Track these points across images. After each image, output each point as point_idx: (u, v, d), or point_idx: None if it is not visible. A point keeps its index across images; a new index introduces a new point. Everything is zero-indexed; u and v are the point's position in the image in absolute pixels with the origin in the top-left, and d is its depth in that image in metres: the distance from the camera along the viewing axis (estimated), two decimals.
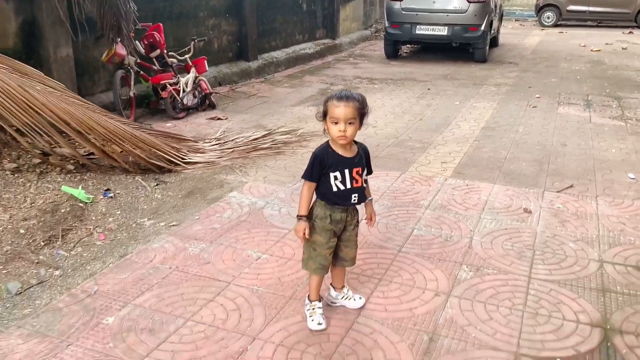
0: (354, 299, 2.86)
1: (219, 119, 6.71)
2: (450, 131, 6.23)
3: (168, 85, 6.60)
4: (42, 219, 3.73)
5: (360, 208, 2.72)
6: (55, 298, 2.95)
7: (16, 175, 4.32)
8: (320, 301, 2.75)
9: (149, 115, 6.75)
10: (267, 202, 4.22)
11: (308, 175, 2.52)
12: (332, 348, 2.53)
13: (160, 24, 6.83)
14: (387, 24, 11.41)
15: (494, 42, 13.23)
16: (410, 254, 3.39)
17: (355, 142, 2.60)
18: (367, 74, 9.94)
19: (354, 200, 2.56)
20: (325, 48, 12.25)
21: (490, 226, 3.77)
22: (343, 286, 2.86)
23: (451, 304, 2.88)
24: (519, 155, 5.35)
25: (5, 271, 3.19)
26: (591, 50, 12.88)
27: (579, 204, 4.18)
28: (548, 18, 18.70)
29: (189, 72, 6.97)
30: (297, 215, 2.56)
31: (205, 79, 7.18)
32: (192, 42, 7.11)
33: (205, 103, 7.18)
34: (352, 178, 2.52)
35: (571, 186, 4.52)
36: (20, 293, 2.99)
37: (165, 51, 6.78)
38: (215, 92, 7.92)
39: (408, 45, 12.94)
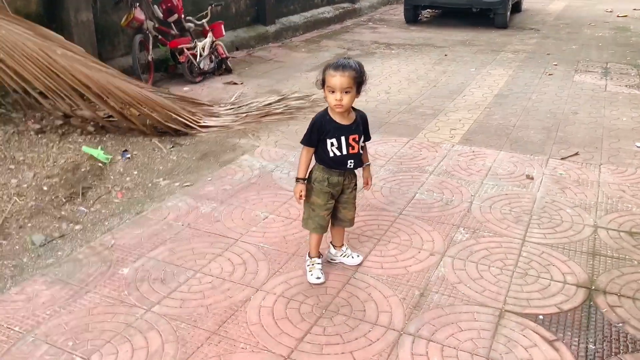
0: (352, 257, 3.00)
1: (234, 83, 6.81)
2: (462, 98, 6.25)
3: (185, 49, 6.70)
4: (64, 177, 3.95)
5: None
6: (75, 250, 3.18)
7: (40, 135, 4.53)
8: (319, 257, 2.91)
9: (167, 80, 6.89)
10: (277, 165, 4.35)
11: (306, 141, 2.64)
12: (329, 300, 2.70)
13: None
14: None
15: (517, 8, 12.97)
16: (410, 217, 3.50)
17: (354, 109, 2.69)
18: (385, 39, 9.89)
19: (350, 165, 2.66)
20: (345, 12, 12.16)
21: (491, 192, 3.85)
22: (342, 244, 3.01)
23: (444, 263, 3.00)
24: (529, 122, 5.37)
25: (30, 224, 3.43)
26: (617, 16, 12.55)
27: (582, 171, 4.24)
28: None
29: (206, 37, 7.06)
30: (296, 178, 2.69)
31: (222, 44, 7.27)
32: (210, 7, 7.18)
33: (221, 68, 7.28)
34: (348, 144, 2.61)
35: (576, 154, 4.57)
36: (44, 245, 3.23)
37: (182, 16, 6.86)
38: (232, 57, 8.00)
39: (428, 10, 12.77)
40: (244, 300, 2.72)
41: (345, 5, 12.41)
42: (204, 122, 5.11)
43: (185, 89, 6.53)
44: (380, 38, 9.98)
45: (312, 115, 2.73)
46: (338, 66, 2.46)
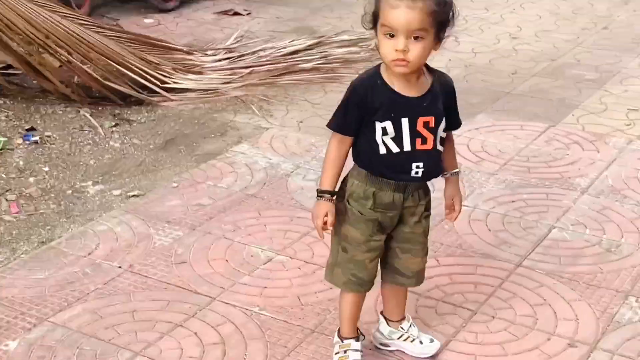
0: (421, 341, 2.98)
1: (235, 13, 6.90)
2: None
3: None
4: None
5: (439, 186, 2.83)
6: None
7: None
8: (358, 340, 2.90)
9: (117, 5, 7.04)
10: (297, 165, 4.36)
11: (338, 123, 2.64)
12: None
13: None
14: None
15: None
16: (536, 271, 3.50)
17: (431, 70, 2.67)
18: None
19: (417, 173, 2.65)
20: None
21: None
22: (403, 318, 3.01)
23: None
24: None
25: None
26: None
27: None
28: None
29: None
30: (318, 190, 2.69)
31: None
32: None
33: None
34: (415, 134, 2.61)
35: None
36: None
37: None
38: None
39: None
40: None
41: None
42: (174, 83, 5.17)
43: (148, 21, 6.68)
44: None
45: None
46: None
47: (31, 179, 4.20)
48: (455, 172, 2.85)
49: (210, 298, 3.30)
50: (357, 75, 2.71)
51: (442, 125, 2.68)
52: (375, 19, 2.56)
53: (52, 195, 4.07)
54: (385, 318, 3.02)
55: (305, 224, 3.79)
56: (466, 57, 6.21)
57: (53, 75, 4.92)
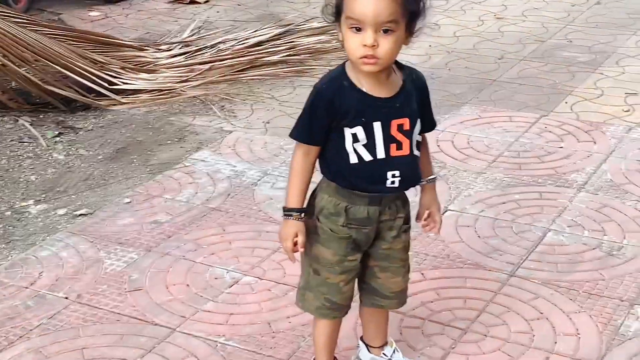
0: None
1: (192, 2, 6.82)
2: None
3: None
4: None
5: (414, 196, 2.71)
6: None
7: None
8: None
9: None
10: (265, 172, 4.29)
11: (303, 132, 2.56)
12: None
13: None
14: None
15: None
16: (531, 281, 3.44)
17: (400, 67, 2.59)
18: None
19: (393, 182, 2.57)
20: None
21: None
22: (385, 343, 2.94)
23: None
24: None
25: None
26: None
27: None
28: None
29: None
30: (284, 208, 2.61)
31: None
32: None
33: None
34: (389, 139, 2.54)
35: None
36: None
37: None
38: None
39: None
40: None
41: None
42: (125, 83, 5.08)
43: (94, 14, 6.60)
44: None
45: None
46: None
47: None
48: (431, 179, 2.77)
49: (169, 329, 3.18)
50: (321, 77, 2.62)
51: (418, 127, 2.61)
52: (338, 11, 2.48)
53: None
54: (365, 344, 2.95)
55: (275, 239, 3.63)
56: (448, 42, 6.18)
57: None
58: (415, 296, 3.23)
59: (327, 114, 2.51)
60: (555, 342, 3.09)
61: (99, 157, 4.43)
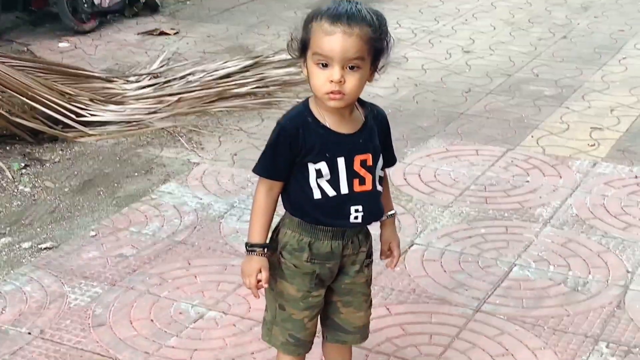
0: None
1: (162, 33, 6.84)
2: (620, 63, 6.23)
3: None
4: None
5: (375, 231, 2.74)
6: None
7: None
8: None
9: (27, 28, 6.97)
10: (231, 205, 4.30)
11: (266, 168, 2.57)
12: None
13: None
14: None
15: None
16: (497, 317, 3.47)
17: (362, 104, 2.63)
18: None
19: (356, 217, 2.59)
20: None
21: None
22: None
23: None
24: None
25: None
26: None
27: None
28: None
29: None
30: (247, 244, 2.62)
31: None
32: None
33: (137, 1, 7.40)
34: (352, 174, 2.56)
35: None
36: None
37: None
38: None
39: None
40: None
41: None
42: (92, 115, 5.08)
43: (63, 45, 6.59)
44: None
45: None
46: (339, 15, 2.43)
47: None
48: (391, 214, 2.80)
49: None
50: (283, 114, 2.64)
51: (380, 162, 2.64)
52: (304, 46, 2.52)
53: None
54: None
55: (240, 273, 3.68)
56: (415, 74, 6.21)
57: None
58: (381, 331, 3.25)
59: (291, 150, 2.52)
60: None
61: (65, 190, 4.44)
